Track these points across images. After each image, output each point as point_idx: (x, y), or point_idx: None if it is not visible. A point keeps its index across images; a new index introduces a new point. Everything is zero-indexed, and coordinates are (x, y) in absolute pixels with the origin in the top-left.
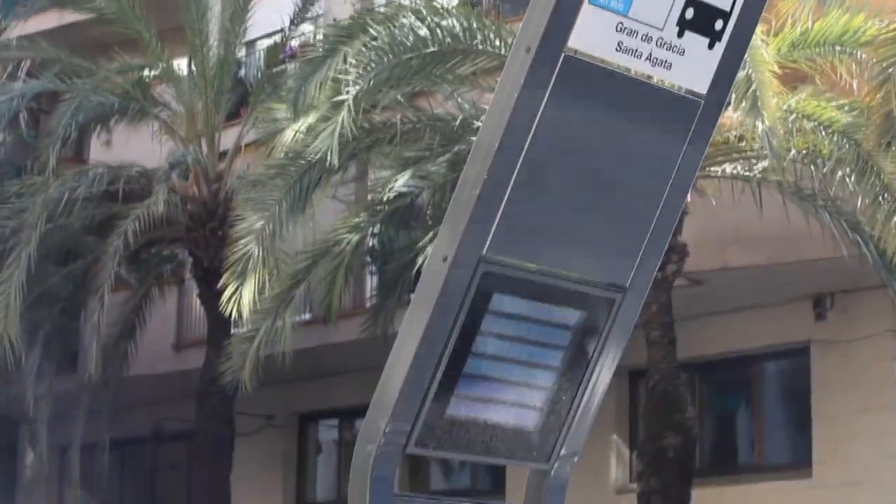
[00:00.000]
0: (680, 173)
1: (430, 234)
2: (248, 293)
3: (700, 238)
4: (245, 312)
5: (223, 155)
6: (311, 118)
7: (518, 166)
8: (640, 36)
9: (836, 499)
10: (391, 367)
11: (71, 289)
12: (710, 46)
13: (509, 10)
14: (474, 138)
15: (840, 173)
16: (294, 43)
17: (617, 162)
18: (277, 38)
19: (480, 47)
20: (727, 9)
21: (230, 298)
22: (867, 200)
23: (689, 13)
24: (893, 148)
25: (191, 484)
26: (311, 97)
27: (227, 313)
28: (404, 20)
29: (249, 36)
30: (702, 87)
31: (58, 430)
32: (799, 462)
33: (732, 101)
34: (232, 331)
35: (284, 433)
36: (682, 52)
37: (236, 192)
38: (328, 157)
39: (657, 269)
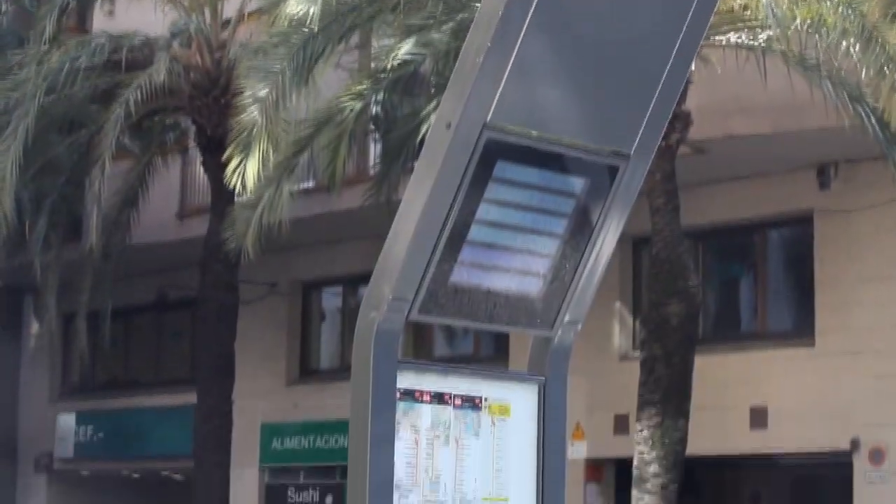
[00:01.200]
0: (684, 42)
1: (434, 102)
2: (252, 165)
3: (704, 106)
4: (249, 183)
5: (226, 24)
6: None
7: (522, 35)
8: None
9: (837, 367)
10: (395, 234)
11: (75, 159)
12: None
13: None
14: (478, 6)
15: (845, 44)
16: None
17: (621, 30)
18: None
19: None
20: None
21: (234, 171)
22: (871, 72)
23: None
24: None
25: (195, 352)
26: None
27: (231, 185)
28: None
29: None
30: None
31: (63, 300)
32: (801, 330)
33: None
34: (235, 199)
35: (288, 301)
36: None
37: (239, 61)
38: (308, 21)
39: (661, 137)
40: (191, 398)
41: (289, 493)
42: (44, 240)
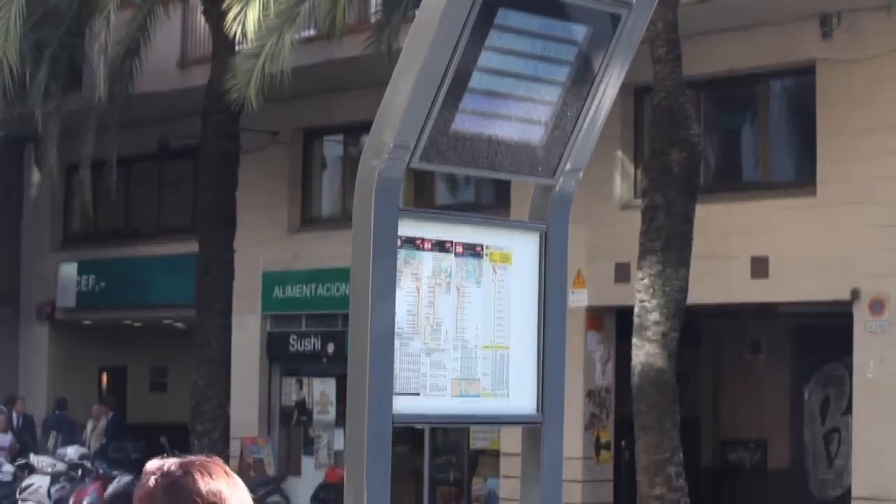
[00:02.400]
0: None
1: None
2: (252, 12)
3: None
4: (250, 32)
5: None
6: None
7: None
8: None
9: (839, 217)
10: (396, 82)
11: (75, 8)
12: None
13: None
14: None
15: None
16: None
17: None
18: None
19: None
20: None
21: (235, 19)
22: None
23: None
24: None
25: (196, 200)
26: None
27: (232, 33)
28: None
29: None
30: None
31: (64, 150)
32: (803, 180)
33: None
34: (237, 48)
35: (289, 149)
36: None
37: None
38: None
39: None
40: (192, 247)
41: (290, 340)
42: (45, 90)
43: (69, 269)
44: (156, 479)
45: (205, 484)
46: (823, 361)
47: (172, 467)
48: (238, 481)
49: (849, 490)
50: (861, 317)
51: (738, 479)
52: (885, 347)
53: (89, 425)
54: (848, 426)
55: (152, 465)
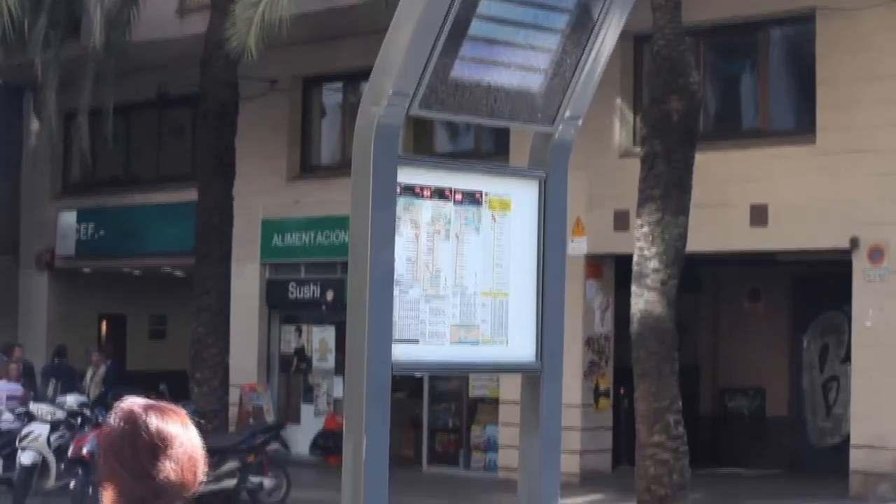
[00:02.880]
0: None
1: None
2: None
3: None
4: None
5: None
6: None
7: None
8: None
9: (838, 165)
10: (395, 29)
11: None
12: None
13: None
14: None
15: None
16: None
17: None
18: None
19: None
20: None
21: None
22: None
23: None
24: None
25: (195, 148)
26: None
27: None
28: None
29: None
30: None
31: (63, 98)
32: (802, 128)
33: None
34: None
35: (289, 97)
36: None
37: None
38: None
39: None
40: (191, 195)
41: (289, 288)
42: (44, 38)
43: (68, 218)
44: (118, 415)
45: (157, 423)
46: (822, 310)
47: (135, 407)
48: (193, 431)
49: (847, 438)
50: (860, 265)
51: (737, 427)
52: (884, 296)
53: (89, 373)
54: (847, 374)
55: (121, 404)
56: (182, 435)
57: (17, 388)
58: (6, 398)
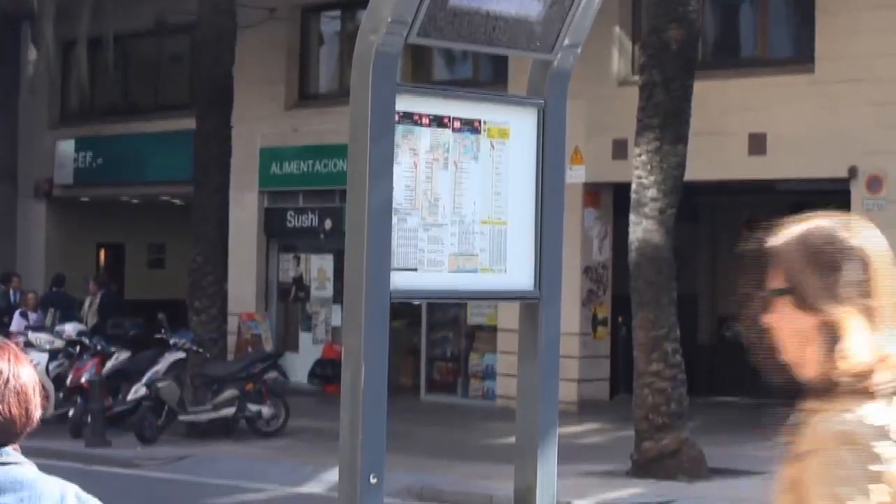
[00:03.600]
0: None
1: None
2: None
3: None
4: None
5: None
6: None
7: None
8: None
9: (837, 94)
10: None
11: None
12: None
13: None
14: None
15: None
16: None
17: None
18: None
19: None
20: None
21: None
22: None
23: None
24: None
25: (193, 77)
26: None
27: None
28: None
29: None
30: None
31: (61, 26)
32: (801, 57)
33: None
34: None
35: (287, 25)
36: None
37: None
38: None
39: None
40: (190, 123)
41: (288, 216)
42: None
43: (66, 147)
44: None
45: None
46: None
47: None
48: (23, 367)
49: None
50: (858, 194)
51: (735, 355)
52: (882, 225)
53: (87, 302)
54: None
55: None
56: (7, 371)
57: (39, 318)
58: (25, 328)
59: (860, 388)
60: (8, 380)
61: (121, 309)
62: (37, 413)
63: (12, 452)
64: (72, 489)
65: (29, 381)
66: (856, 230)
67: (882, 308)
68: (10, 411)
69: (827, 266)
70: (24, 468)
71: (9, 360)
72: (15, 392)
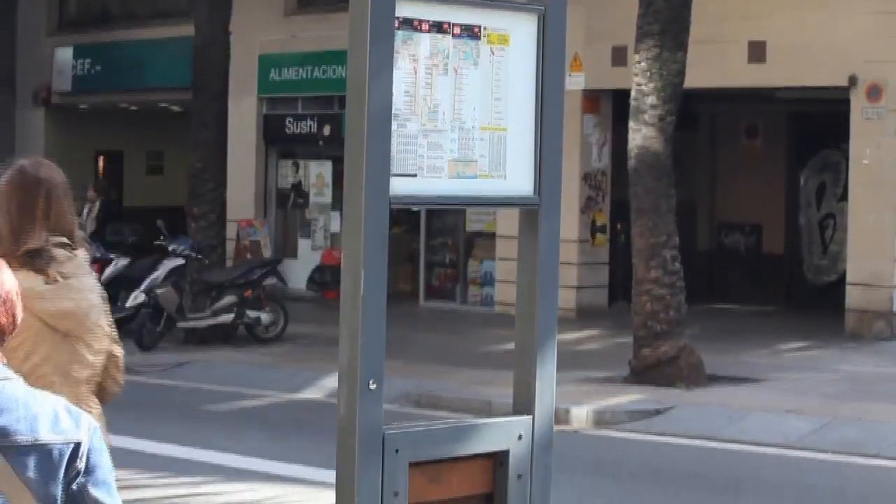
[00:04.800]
0: None
1: None
2: None
3: None
4: None
5: None
6: None
7: None
8: None
9: (837, 2)
10: None
11: None
12: None
13: None
14: None
15: None
16: None
17: None
18: None
19: None
20: None
21: None
22: None
23: None
24: None
25: None
26: None
27: None
28: None
29: None
30: None
31: None
32: None
33: None
34: None
35: None
36: None
37: None
38: None
39: None
40: (189, 29)
41: (286, 123)
42: None
43: (65, 54)
44: None
45: None
46: (820, 147)
47: None
48: (4, 270)
49: (843, 276)
50: (858, 103)
51: (733, 264)
52: (881, 134)
53: (86, 209)
54: (843, 212)
55: None
56: None
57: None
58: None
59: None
60: None
61: (119, 216)
62: (18, 320)
63: (2, 366)
64: (61, 403)
65: (12, 286)
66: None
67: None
68: None
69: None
70: (15, 384)
71: None
72: (2, 301)
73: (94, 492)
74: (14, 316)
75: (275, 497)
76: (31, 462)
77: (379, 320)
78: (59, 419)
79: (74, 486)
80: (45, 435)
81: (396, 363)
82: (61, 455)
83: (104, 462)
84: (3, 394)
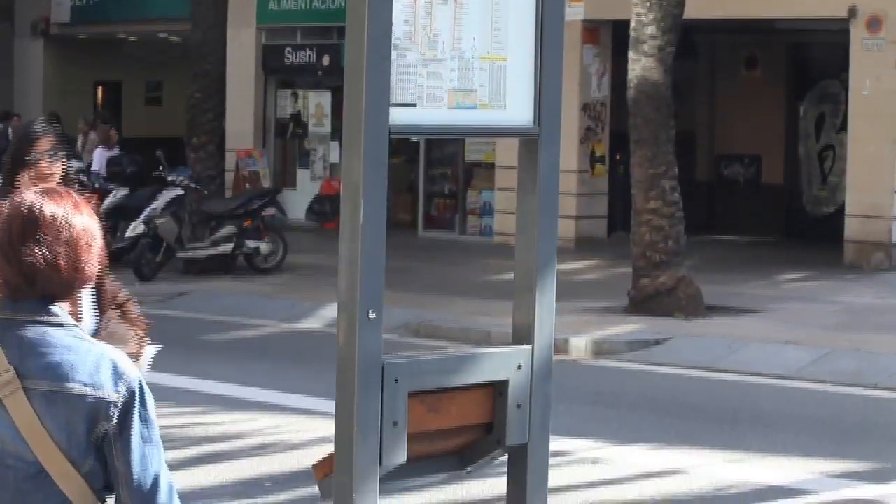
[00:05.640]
0: None
1: None
2: None
3: None
4: None
5: None
6: None
7: None
8: None
9: None
10: None
11: None
12: None
13: None
14: None
15: None
16: None
17: None
18: None
19: None
20: None
21: None
22: None
23: None
24: None
25: None
26: None
27: None
28: None
29: None
30: None
31: None
32: None
33: None
34: None
35: None
36: None
37: None
38: None
39: None
40: None
41: (286, 53)
42: None
43: None
44: (8, 201)
45: (37, 205)
46: (819, 78)
47: (27, 193)
48: (82, 217)
49: (842, 207)
50: (858, 34)
51: (732, 194)
52: (881, 65)
53: (79, 140)
54: (842, 143)
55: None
56: (63, 219)
57: (119, 154)
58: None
59: None
60: (60, 228)
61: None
62: (90, 268)
63: (58, 311)
64: (111, 357)
65: (83, 232)
66: None
67: None
68: (56, 260)
69: None
70: (63, 330)
71: (65, 207)
72: (65, 242)
73: (121, 460)
74: (78, 264)
75: (274, 426)
76: (56, 411)
77: (378, 250)
78: (99, 372)
79: (103, 445)
80: (75, 385)
81: (395, 293)
82: (88, 409)
83: (138, 430)
84: (44, 338)
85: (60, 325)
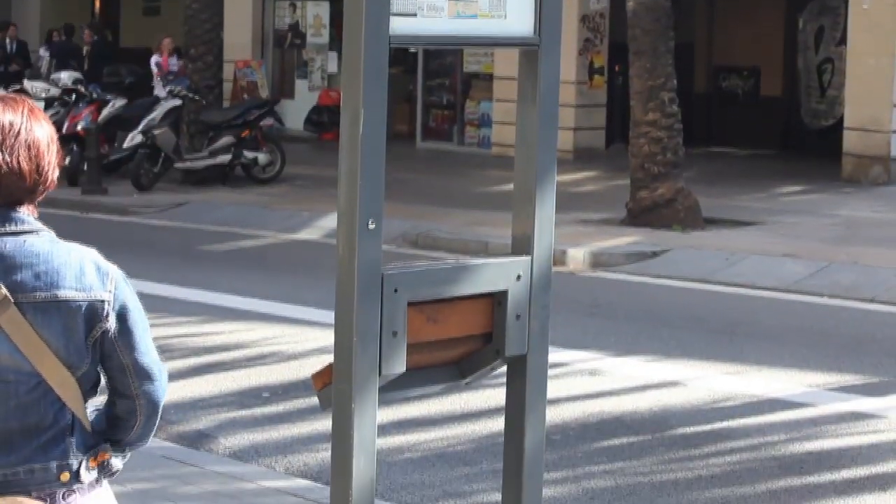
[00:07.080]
0: None
1: None
2: None
3: None
4: None
5: None
6: None
7: None
8: None
9: None
10: None
11: None
12: None
13: None
14: None
15: None
16: None
17: None
18: None
19: None
20: None
21: None
22: None
23: None
24: None
25: None
26: None
27: None
28: None
29: None
30: None
31: None
32: None
33: None
34: None
35: None
36: None
37: None
38: None
39: None
40: None
41: None
42: None
43: None
44: None
45: (9, 115)
46: None
47: None
48: (36, 121)
49: (841, 120)
50: None
51: (731, 106)
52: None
53: (85, 50)
54: (842, 57)
55: None
56: (18, 124)
57: (174, 63)
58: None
59: None
60: (19, 132)
61: (114, 56)
62: (52, 172)
63: (28, 218)
64: (90, 257)
65: (43, 136)
66: None
67: None
68: (18, 164)
69: None
70: (39, 237)
71: (22, 113)
72: (26, 145)
73: (126, 352)
74: (39, 166)
75: (273, 337)
76: (51, 320)
77: (378, 161)
78: (85, 274)
79: (104, 346)
80: (66, 291)
81: (393, 204)
82: (84, 313)
83: (134, 320)
84: (24, 248)
85: (34, 231)
